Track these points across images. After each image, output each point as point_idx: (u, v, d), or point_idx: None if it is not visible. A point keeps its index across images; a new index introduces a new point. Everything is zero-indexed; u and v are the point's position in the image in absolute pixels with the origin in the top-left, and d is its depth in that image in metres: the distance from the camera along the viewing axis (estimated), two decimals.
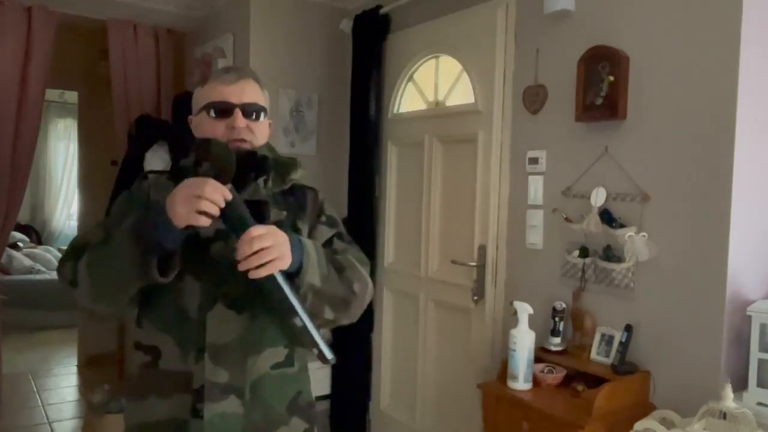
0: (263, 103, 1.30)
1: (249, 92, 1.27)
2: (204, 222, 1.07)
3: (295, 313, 1.11)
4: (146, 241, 1.08)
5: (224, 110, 1.24)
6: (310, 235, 1.32)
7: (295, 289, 1.13)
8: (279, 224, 1.20)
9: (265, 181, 1.28)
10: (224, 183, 1.11)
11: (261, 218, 1.18)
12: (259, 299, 1.20)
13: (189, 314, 1.20)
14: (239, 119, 1.23)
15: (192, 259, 1.18)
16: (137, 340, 1.27)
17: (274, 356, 1.27)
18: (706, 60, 1.76)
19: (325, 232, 1.35)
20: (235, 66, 1.32)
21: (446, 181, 2.70)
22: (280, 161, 1.32)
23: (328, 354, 1.14)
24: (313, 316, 1.15)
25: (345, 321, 1.30)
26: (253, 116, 1.26)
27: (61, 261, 1.22)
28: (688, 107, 1.80)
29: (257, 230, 1.08)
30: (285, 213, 1.29)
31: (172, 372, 1.21)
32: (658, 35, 1.88)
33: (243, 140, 1.24)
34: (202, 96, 1.28)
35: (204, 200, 1.05)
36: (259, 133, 1.28)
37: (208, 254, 1.20)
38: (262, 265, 1.07)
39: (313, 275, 1.16)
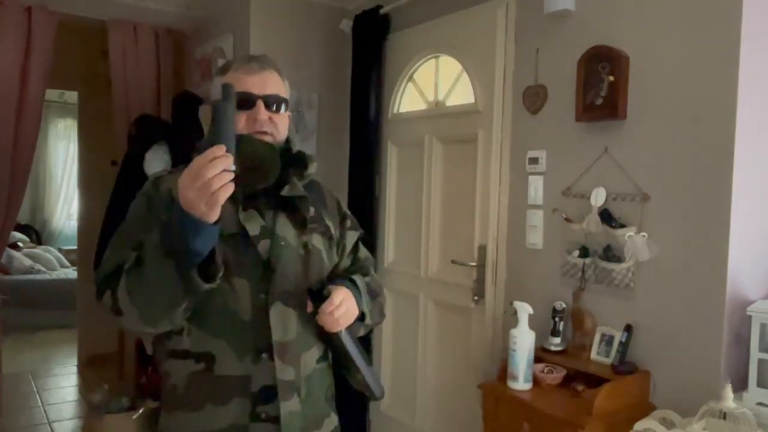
0: (285, 95, 1.27)
1: (271, 83, 1.23)
2: (224, 197, 0.95)
3: (357, 368, 1.26)
4: (179, 251, 0.99)
5: (246, 102, 1.20)
6: (341, 240, 1.37)
7: (352, 333, 1.26)
8: (313, 220, 1.27)
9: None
10: (261, 181, 1.16)
11: (302, 215, 1.26)
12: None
13: (241, 316, 1.17)
14: (262, 111, 1.20)
15: (237, 260, 1.16)
16: (183, 348, 1.20)
17: (318, 351, 1.29)
18: (706, 60, 1.76)
19: (352, 237, 1.41)
20: (256, 55, 1.28)
21: (446, 181, 2.70)
22: (303, 155, 1.31)
23: (378, 392, 1.31)
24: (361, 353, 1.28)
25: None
26: (275, 108, 1.23)
27: (98, 290, 1.14)
28: (688, 107, 1.80)
29: (338, 297, 1.18)
30: (313, 209, 1.29)
31: (229, 377, 1.17)
32: (658, 35, 1.88)
33: (265, 133, 1.20)
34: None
35: (212, 181, 0.93)
36: (281, 126, 1.24)
37: (255, 253, 1.18)
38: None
39: (367, 318, 1.30)
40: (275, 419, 1.18)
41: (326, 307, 1.16)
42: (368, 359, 1.30)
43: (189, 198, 0.94)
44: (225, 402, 1.17)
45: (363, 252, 1.44)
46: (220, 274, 1.06)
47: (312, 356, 1.26)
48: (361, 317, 1.29)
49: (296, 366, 1.21)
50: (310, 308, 1.20)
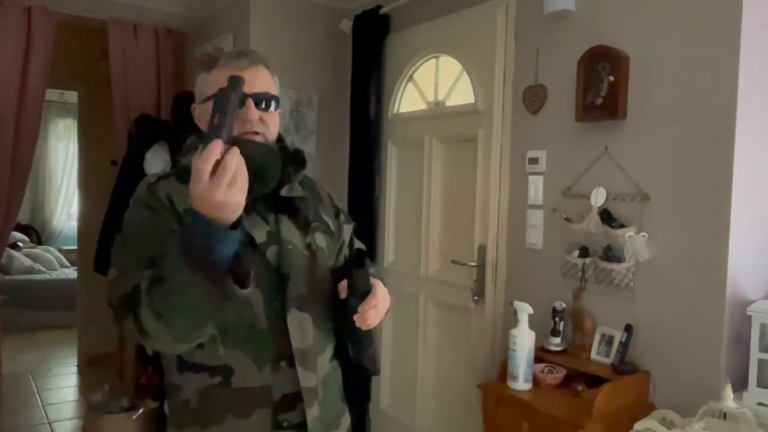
0: (275, 92, 1.20)
1: (261, 80, 1.17)
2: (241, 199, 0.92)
3: (372, 346, 1.25)
4: (207, 261, 0.92)
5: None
6: (339, 234, 1.34)
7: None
8: (314, 220, 1.24)
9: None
10: (261, 187, 1.08)
11: (303, 215, 1.23)
12: (322, 298, 1.23)
13: (257, 325, 1.14)
14: (252, 110, 1.13)
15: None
16: (197, 361, 1.14)
17: (330, 351, 1.28)
18: (706, 60, 1.76)
19: (348, 230, 1.39)
20: (244, 50, 1.20)
21: (446, 181, 2.70)
22: (301, 153, 1.27)
23: (378, 368, 1.31)
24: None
25: None
26: (264, 106, 1.16)
27: (116, 314, 1.05)
28: (688, 107, 1.80)
29: (381, 292, 1.17)
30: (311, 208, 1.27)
31: (248, 389, 1.14)
32: (658, 35, 1.88)
33: (256, 133, 1.14)
34: (209, 83, 1.16)
35: (236, 184, 0.89)
36: (272, 126, 1.18)
37: (265, 261, 1.14)
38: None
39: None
40: (297, 426, 1.17)
41: (371, 300, 1.15)
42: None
43: (217, 200, 0.88)
44: (246, 414, 1.14)
45: (359, 243, 1.42)
46: (251, 279, 0.98)
47: (326, 357, 1.25)
48: None
49: (315, 370, 1.20)
50: (344, 292, 1.17)
